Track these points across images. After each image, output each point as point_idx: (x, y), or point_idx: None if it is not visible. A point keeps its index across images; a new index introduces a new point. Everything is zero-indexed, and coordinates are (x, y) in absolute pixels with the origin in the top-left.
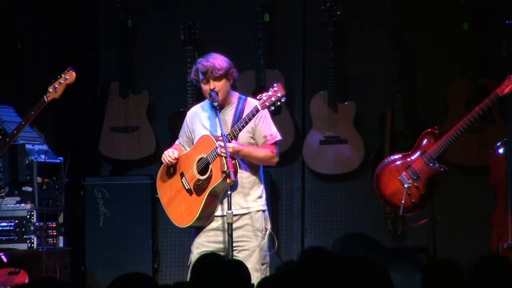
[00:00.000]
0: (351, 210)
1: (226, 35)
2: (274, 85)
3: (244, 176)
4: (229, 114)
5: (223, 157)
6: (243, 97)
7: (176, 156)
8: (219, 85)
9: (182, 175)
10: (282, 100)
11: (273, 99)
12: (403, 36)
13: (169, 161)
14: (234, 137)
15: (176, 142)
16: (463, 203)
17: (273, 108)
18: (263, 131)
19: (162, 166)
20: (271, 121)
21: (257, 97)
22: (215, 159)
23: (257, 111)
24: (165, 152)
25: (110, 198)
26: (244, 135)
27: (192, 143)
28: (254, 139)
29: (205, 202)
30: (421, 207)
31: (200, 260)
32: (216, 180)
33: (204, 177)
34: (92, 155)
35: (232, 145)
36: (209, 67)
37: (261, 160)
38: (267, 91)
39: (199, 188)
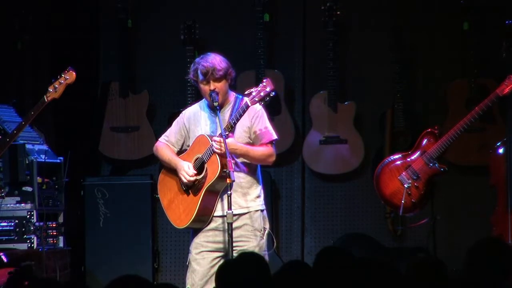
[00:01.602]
0: (351, 210)
1: (226, 35)
2: (264, 80)
3: (242, 176)
4: (226, 114)
5: (221, 156)
6: (240, 96)
7: (195, 172)
8: (219, 86)
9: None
10: (271, 95)
11: (262, 94)
12: (403, 36)
13: (189, 180)
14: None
15: (163, 140)
16: (463, 203)
17: (262, 103)
18: (259, 130)
19: (162, 170)
20: (267, 120)
21: (246, 92)
22: (210, 157)
23: (247, 106)
24: (183, 173)
25: (110, 198)
26: (241, 135)
27: (184, 143)
28: (251, 139)
29: (201, 201)
30: (421, 207)
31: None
32: (211, 178)
33: (200, 176)
34: (92, 155)
35: (228, 141)
36: (209, 68)
37: (258, 159)
38: (257, 87)
39: (196, 188)
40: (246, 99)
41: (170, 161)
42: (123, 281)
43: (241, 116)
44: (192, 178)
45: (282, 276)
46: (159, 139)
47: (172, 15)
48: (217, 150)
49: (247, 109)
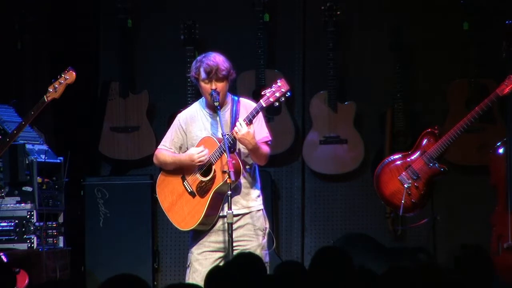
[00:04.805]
0: (351, 210)
1: (226, 35)
2: (278, 80)
3: (244, 176)
4: (225, 115)
5: (224, 157)
6: (236, 98)
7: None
8: (220, 86)
9: (183, 178)
10: (287, 95)
11: (277, 94)
12: (403, 36)
13: (207, 158)
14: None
15: (160, 147)
16: (463, 203)
17: (277, 104)
18: (259, 129)
19: (161, 172)
20: (264, 121)
21: (261, 93)
22: (218, 159)
23: (261, 107)
24: (197, 156)
25: (110, 198)
26: None
27: (182, 145)
28: None
29: (209, 203)
30: (421, 207)
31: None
32: (220, 180)
33: (207, 178)
34: (92, 155)
35: (251, 132)
36: (213, 67)
37: (261, 158)
38: (271, 87)
39: (202, 190)
40: (248, 101)
41: (174, 160)
42: (117, 280)
43: (254, 116)
44: (207, 154)
45: (278, 277)
46: (157, 148)
47: (172, 15)
48: (237, 135)
49: (261, 110)
